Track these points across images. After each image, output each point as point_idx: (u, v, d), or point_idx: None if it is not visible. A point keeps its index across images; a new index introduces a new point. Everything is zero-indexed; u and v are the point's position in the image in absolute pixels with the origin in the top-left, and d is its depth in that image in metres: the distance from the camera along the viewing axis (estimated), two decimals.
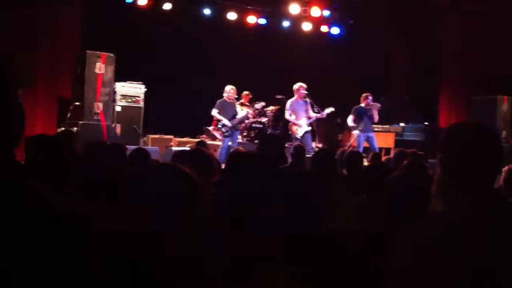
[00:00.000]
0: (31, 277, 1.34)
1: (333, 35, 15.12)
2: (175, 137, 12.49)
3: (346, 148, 11.76)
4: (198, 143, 7.60)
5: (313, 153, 7.92)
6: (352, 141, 12.03)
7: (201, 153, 3.70)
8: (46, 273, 1.35)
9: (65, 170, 3.06)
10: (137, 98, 11.63)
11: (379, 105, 12.10)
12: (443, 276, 1.75)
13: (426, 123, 15.26)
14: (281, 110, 12.25)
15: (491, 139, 1.93)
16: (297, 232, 2.80)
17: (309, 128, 11.22)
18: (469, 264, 1.74)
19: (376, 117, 11.71)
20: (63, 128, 10.02)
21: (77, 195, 3.00)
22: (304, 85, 11.21)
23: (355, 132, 11.69)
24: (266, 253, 2.85)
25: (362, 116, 11.66)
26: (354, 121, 11.75)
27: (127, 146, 8.24)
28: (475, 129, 1.95)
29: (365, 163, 7.55)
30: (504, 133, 12.35)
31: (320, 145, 12.35)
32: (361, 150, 10.98)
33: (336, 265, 2.69)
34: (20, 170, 1.54)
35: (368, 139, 11.64)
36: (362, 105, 11.74)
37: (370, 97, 11.73)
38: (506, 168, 4.72)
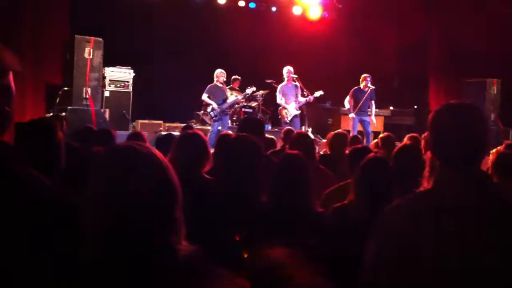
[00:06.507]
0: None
1: (322, 19, 15.08)
2: (164, 122, 12.47)
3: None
4: (184, 127, 7.54)
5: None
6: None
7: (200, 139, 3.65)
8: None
9: (55, 155, 3.07)
10: (126, 83, 11.62)
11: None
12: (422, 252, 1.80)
13: (415, 106, 15.31)
14: (271, 95, 12.23)
15: (476, 119, 1.94)
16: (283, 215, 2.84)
17: (298, 112, 11.16)
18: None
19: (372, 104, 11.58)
20: (51, 114, 9.96)
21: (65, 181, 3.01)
22: (291, 68, 11.16)
23: (351, 116, 11.50)
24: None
25: (358, 98, 11.40)
26: (350, 103, 11.53)
27: (117, 132, 8.27)
28: (461, 109, 1.96)
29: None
30: (492, 116, 12.39)
31: (309, 129, 12.35)
32: (355, 133, 10.86)
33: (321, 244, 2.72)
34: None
35: (362, 123, 11.44)
36: (361, 86, 11.53)
37: (368, 78, 11.47)
38: (494, 150, 4.74)
